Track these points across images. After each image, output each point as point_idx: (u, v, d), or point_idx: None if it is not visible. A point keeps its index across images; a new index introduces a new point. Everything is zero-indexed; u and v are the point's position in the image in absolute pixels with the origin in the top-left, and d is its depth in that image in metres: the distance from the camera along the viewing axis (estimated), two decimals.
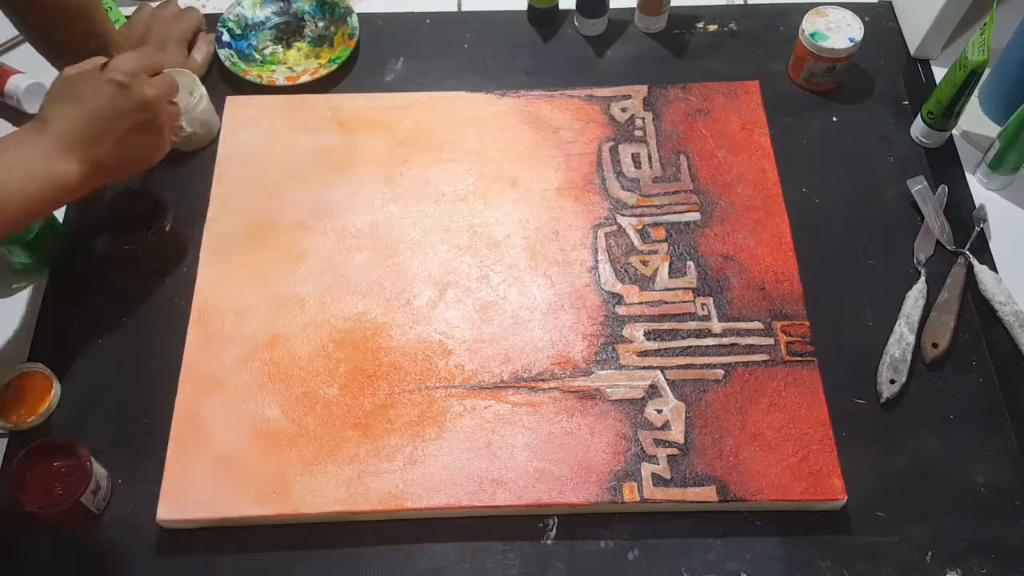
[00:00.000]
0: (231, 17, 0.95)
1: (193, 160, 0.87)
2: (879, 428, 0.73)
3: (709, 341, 0.75)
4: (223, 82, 0.93)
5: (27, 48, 0.96)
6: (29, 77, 0.89)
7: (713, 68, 0.94)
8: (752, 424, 0.71)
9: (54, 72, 0.82)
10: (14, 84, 0.88)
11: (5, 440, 0.72)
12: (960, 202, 0.85)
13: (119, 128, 0.71)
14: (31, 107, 0.90)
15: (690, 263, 0.79)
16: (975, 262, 0.80)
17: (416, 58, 0.95)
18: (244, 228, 0.81)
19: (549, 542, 0.68)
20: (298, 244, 0.81)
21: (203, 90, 0.85)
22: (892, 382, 0.74)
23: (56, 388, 0.73)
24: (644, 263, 0.79)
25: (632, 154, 0.86)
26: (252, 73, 0.92)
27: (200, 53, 0.92)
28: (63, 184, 0.68)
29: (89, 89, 0.70)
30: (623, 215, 0.82)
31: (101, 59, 0.72)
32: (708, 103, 0.89)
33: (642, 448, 0.70)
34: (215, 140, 0.88)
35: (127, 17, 0.95)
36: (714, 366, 0.74)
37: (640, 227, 0.82)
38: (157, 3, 0.94)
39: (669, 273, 0.79)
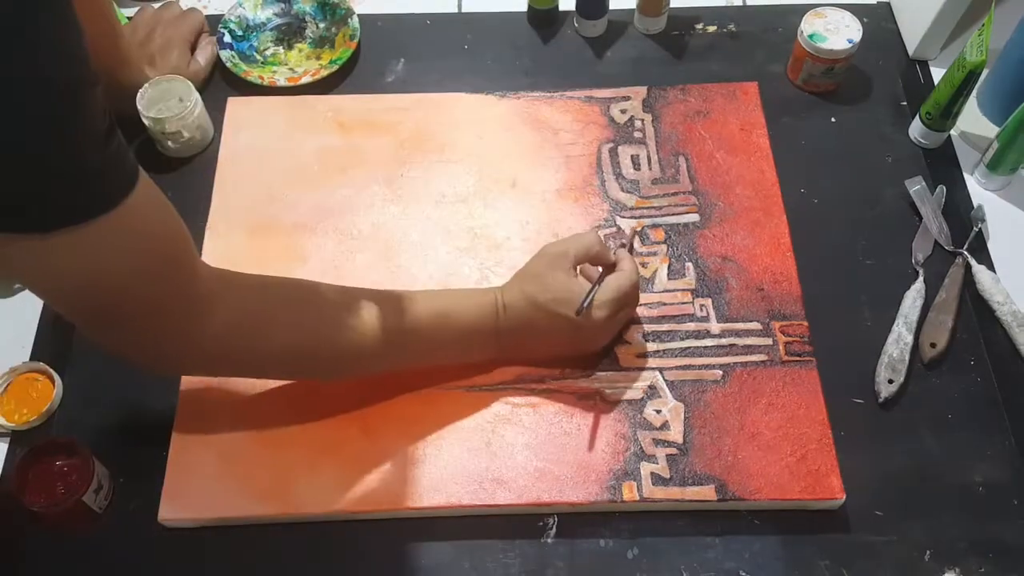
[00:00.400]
0: (232, 18, 0.96)
1: (193, 162, 0.88)
2: (877, 428, 0.73)
3: (708, 342, 0.76)
4: (224, 83, 0.93)
5: None
6: None
7: (712, 69, 0.94)
8: (751, 424, 0.71)
9: None
10: None
11: (7, 440, 0.73)
12: (958, 202, 0.85)
13: (554, 349, 0.73)
14: None
15: (689, 264, 0.80)
16: (973, 262, 0.80)
17: (416, 59, 0.95)
18: (245, 229, 0.82)
19: (549, 541, 0.69)
20: (299, 245, 0.81)
21: (197, 96, 0.85)
22: (890, 382, 0.74)
23: (58, 387, 0.74)
24: (643, 264, 0.80)
25: (631, 156, 0.86)
26: (253, 74, 0.92)
27: (203, 55, 0.92)
28: (475, 361, 0.73)
29: (560, 310, 0.68)
30: (623, 216, 0.83)
31: (596, 243, 0.71)
32: (707, 104, 0.89)
33: (641, 448, 0.70)
34: (211, 144, 0.88)
35: (129, 18, 0.95)
36: (713, 367, 0.74)
37: (639, 228, 0.82)
38: (159, 5, 0.95)
39: (668, 274, 0.79)
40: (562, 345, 0.72)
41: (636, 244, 0.80)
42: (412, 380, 0.73)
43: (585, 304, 0.68)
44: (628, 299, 0.72)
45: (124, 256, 0.51)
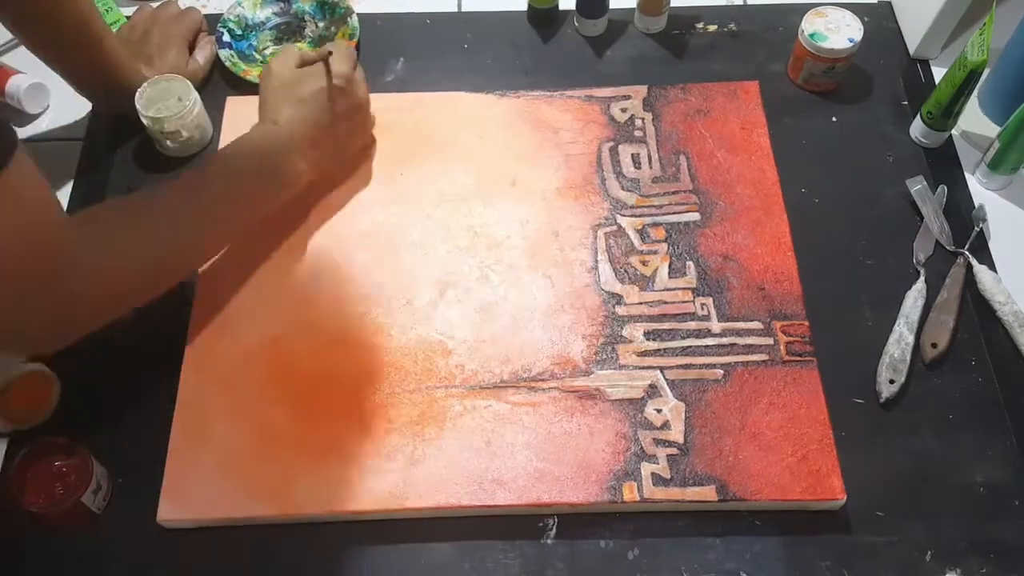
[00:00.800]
0: (231, 17, 0.95)
1: (193, 161, 0.87)
2: (878, 428, 0.73)
3: (708, 341, 0.75)
4: (224, 82, 0.93)
5: (22, 48, 0.96)
6: (29, 77, 0.89)
7: (713, 68, 0.94)
8: (751, 424, 0.71)
9: (53, 73, 0.83)
10: (15, 84, 0.88)
11: (5, 440, 0.72)
12: (959, 202, 0.85)
13: (339, 130, 0.78)
14: (32, 107, 0.90)
15: (690, 263, 0.80)
16: (974, 262, 0.80)
17: (416, 59, 0.95)
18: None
19: (549, 542, 0.69)
20: (298, 245, 0.81)
21: (196, 95, 0.85)
22: (891, 382, 0.74)
23: (56, 388, 0.73)
24: (644, 263, 0.80)
25: (632, 154, 0.86)
26: (253, 73, 0.92)
27: (202, 54, 0.92)
28: (293, 182, 0.75)
29: (310, 92, 0.76)
30: (623, 215, 0.82)
31: (297, 54, 0.78)
32: (708, 103, 0.89)
33: (642, 448, 0.70)
34: (210, 143, 0.88)
35: (127, 17, 0.95)
36: (713, 366, 0.74)
37: (640, 227, 0.82)
38: (158, 4, 0.94)
39: (669, 273, 0.79)
40: (342, 123, 0.78)
41: (631, 234, 0.81)
42: (412, 380, 0.73)
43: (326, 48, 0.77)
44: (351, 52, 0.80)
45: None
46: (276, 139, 0.74)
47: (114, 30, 0.95)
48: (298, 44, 0.96)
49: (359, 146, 0.84)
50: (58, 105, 0.92)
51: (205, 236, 0.71)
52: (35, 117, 0.91)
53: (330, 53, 0.78)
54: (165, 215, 0.67)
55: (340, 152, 0.81)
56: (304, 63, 0.79)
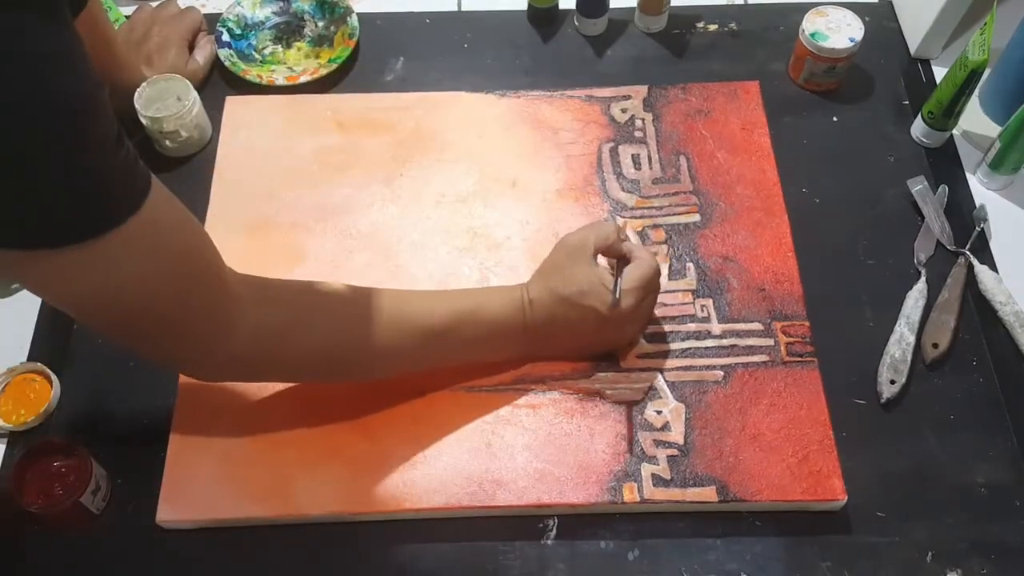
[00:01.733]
0: (231, 17, 0.95)
1: (192, 161, 0.87)
2: (879, 428, 0.73)
3: (709, 342, 0.75)
4: (223, 82, 0.93)
5: None
6: None
7: (713, 68, 0.94)
8: (752, 425, 0.71)
9: None
10: None
11: (5, 440, 0.72)
12: (960, 202, 0.85)
13: (584, 342, 0.72)
14: None
15: (690, 265, 0.79)
16: (975, 262, 0.80)
17: (416, 58, 0.95)
18: (244, 228, 0.81)
19: (549, 542, 0.68)
20: (298, 245, 0.81)
21: (195, 95, 0.85)
22: (892, 382, 0.74)
23: (56, 388, 0.73)
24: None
25: (632, 155, 0.86)
26: (252, 73, 0.92)
27: (202, 54, 0.92)
28: (501, 359, 0.72)
29: (589, 303, 0.68)
30: (623, 216, 0.82)
31: (605, 241, 0.70)
32: (708, 103, 0.89)
33: (642, 449, 0.70)
34: (209, 143, 0.88)
35: (127, 17, 0.95)
36: (714, 367, 0.74)
37: (640, 229, 0.82)
38: (157, 3, 0.94)
39: (669, 275, 0.79)
40: (591, 337, 0.71)
41: (630, 234, 0.80)
42: (413, 380, 0.73)
43: (617, 294, 0.68)
44: (651, 286, 0.71)
45: (142, 268, 0.50)
46: (519, 326, 0.69)
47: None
48: (297, 44, 0.96)
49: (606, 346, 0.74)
50: None
51: (375, 364, 0.67)
52: None
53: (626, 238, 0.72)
54: (354, 322, 0.64)
55: (577, 352, 0.73)
56: (607, 248, 0.71)
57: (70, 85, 0.42)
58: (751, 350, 0.75)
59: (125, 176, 0.47)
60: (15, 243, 0.44)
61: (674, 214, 0.82)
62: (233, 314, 0.57)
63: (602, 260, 0.73)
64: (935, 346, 0.76)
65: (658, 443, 0.70)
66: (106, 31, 0.79)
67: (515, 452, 0.70)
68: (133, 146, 0.48)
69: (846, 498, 0.68)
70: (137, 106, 0.83)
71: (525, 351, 0.72)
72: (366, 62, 0.95)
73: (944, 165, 0.87)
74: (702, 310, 0.77)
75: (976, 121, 0.89)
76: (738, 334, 0.76)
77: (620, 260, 0.72)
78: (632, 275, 0.70)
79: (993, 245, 0.82)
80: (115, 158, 0.45)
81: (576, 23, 0.97)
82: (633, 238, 0.81)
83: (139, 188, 0.48)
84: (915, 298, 0.78)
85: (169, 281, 0.52)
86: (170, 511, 0.68)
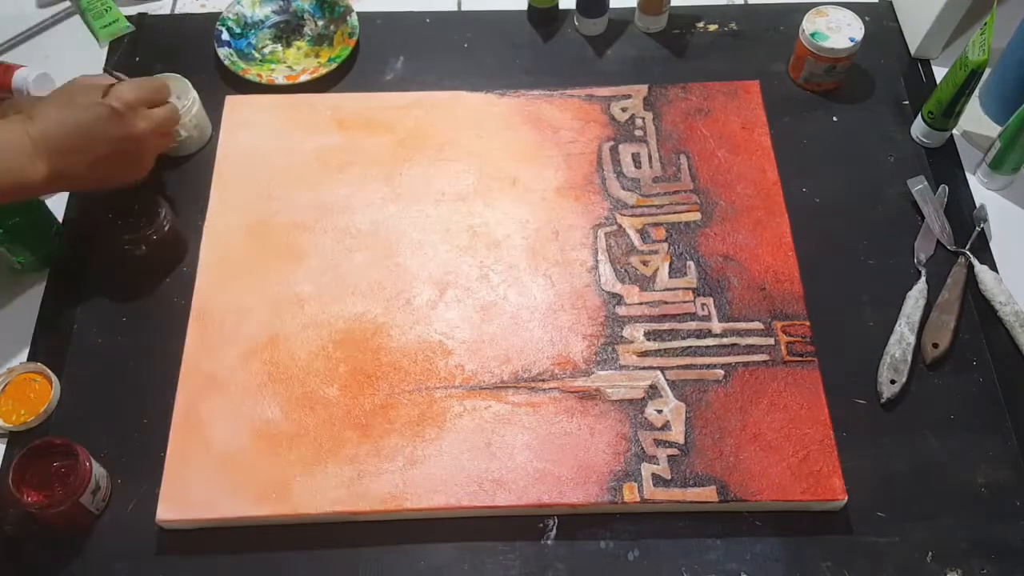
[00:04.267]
0: (230, 16, 0.95)
1: (192, 160, 0.87)
2: (879, 428, 0.73)
3: (709, 341, 0.75)
4: (222, 81, 0.92)
5: (23, 48, 0.96)
6: (33, 69, 0.89)
7: (713, 68, 0.94)
8: (752, 424, 0.71)
9: (54, 65, 0.82)
10: (21, 77, 0.88)
11: (5, 440, 0.72)
12: (961, 202, 0.85)
13: (98, 149, 0.73)
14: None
15: (690, 263, 0.79)
16: (975, 262, 0.80)
17: (416, 57, 0.95)
18: (244, 228, 0.81)
19: (549, 542, 0.68)
20: (298, 244, 0.80)
21: (195, 94, 0.85)
22: (892, 382, 0.74)
23: (55, 388, 0.73)
24: (644, 263, 0.79)
25: (632, 154, 0.86)
26: (251, 72, 0.92)
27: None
28: (25, 181, 0.70)
29: (84, 103, 0.72)
30: (623, 215, 0.82)
31: (110, 79, 0.74)
32: (708, 103, 0.89)
33: (642, 448, 0.70)
34: (209, 142, 0.88)
35: (127, 17, 0.95)
36: (714, 366, 0.74)
37: (640, 227, 0.82)
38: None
39: (669, 273, 0.79)
40: (102, 142, 0.72)
41: (631, 233, 0.80)
42: (412, 380, 0.73)
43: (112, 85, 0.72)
44: (158, 94, 0.76)
45: None
46: (20, 129, 0.70)
47: (114, 29, 0.95)
48: (296, 43, 0.96)
49: (124, 173, 0.76)
50: None
51: None
52: None
53: (120, 78, 0.76)
54: None
55: (94, 173, 0.73)
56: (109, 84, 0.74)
57: None
58: (751, 349, 0.75)
59: None
60: None
61: (675, 212, 0.82)
62: None
63: None
64: (935, 346, 0.76)
65: (658, 443, 0.70)
66: None
67: (515, 452, 0.70)
68: None
69: (846, 498, 0.68)
70: None
71: (39, 165, 0.70)
72: (366, 61, 0.95)
73: (944, 165, 0.87)
74: (703, 308, 0.77)
75: (976, 121, 0.89)
76: (739, 333, 0.76)
77: None
78: (138, 80, 0.75)
79: (993, 245, 0.82)
80: None
81: (576, 23, 0.97)
82: (634, 238, 0.81)
83: None
84: (915, 298, 0.78)
85: None
86: (170, 511, 0.68)
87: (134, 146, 0.74)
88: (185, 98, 0.84)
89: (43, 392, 0.73)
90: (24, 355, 0.76)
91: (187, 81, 0.85)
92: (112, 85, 0.73)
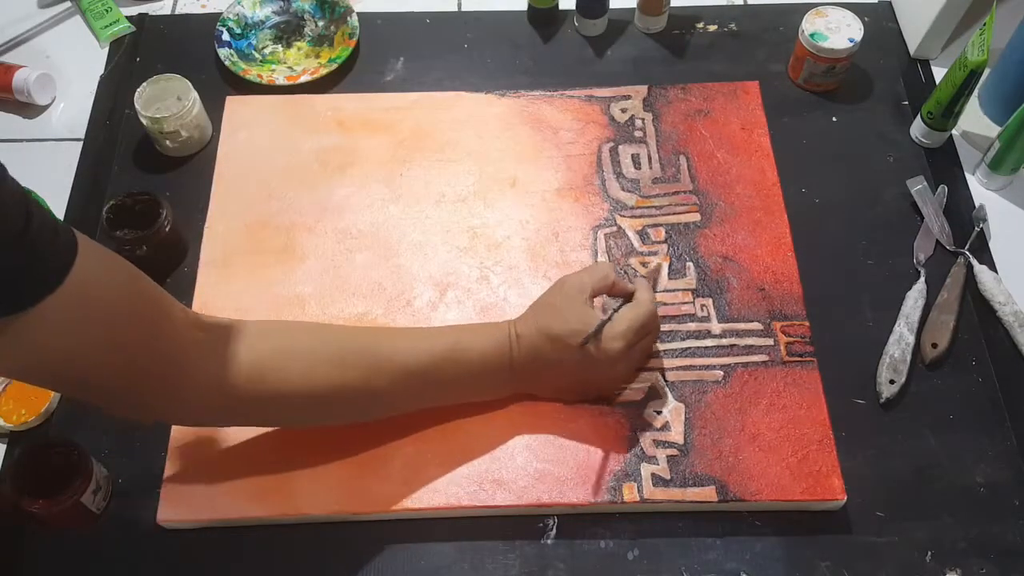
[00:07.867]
0: (231, 16, 0.95)
1: (193, 160, 0.87)
2: (879, 428, 0.73)
3: (708, 342, 0.75)
4: (223, 82, 0.93)
5: (23, 49, 0.96)
6: (34, 69, 0.89)
7: (713, 68, 0.94)
8: (752, 424, 0.71)
9: (55, 66, 0.81)
10: (22, 77, 0.88)
11: (5, 440, 0.72)
12: (960, 202, 0.85)
13: (570, 381, 0.70)
14: (41, 99, 0.90)
15: (690, 264, 0.79)
16: (975, 262, 0.80)
17: (416, 58, 0.95)
18: (244, 228, 0.81)
19: (549, 542, 0.68)
20: (298, 244, 0.81)
21: (195, 95, 0.85)
22: (892, 382, 0.74)
23: None
24: (644, 264, 0.79)
25: (632, 155, 0.86)
26: (252, 72, 0.92)
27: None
28: (487, 399, 0.71)
29: (571, 343, 0.66)
30: (623, 216, 0.82)
31: (613, 278, 0.69)
32: (708, 104, 0.89)
33: (642, 449, 0.70)
34: (209, 143, 0.88)
35: (128, 18, 0.95)
36: (713, 367, 0.74)
37: (640, 228, 0.82)
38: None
39: (668, 274, 0.79)
40: (575, 376, 0.69)
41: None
42: None
43: (592, 333, 0.66)
44: (645, 330, 0.69)
45: (67, 344, 0.48)
46: (505, 364, 0.68)
47: (115, 30, 0.95)
48: (297, 43, 0.96)
49: (582, 400, 0.72)
50: (65, 95, 0.92)
51: (353, 406, 0.66)
52: (44, 109, 0.91)
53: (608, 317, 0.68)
54: (327, 364, 0.62)
55: (556, 394, 0.71)
56: (606, 288, 0.70)
57: None
58: (751, 350, 0.75)
59: (33, 261, 0.45)
60: None
61: (674, 213, 0.82)
62: (187, 366, 0.56)
63: (610, 302, 0.72)
64: (934, 346, 0.76)
65: (658, 443, 0.70)
66: None
67: (515, 452, 0.70)
68: (52, 221, 0.46)
69: (846, 498, 0.68)
70: (137, 106, 0.83)
71: (511, 389, 0.71)
72: (366, 62, 0.95)
73: (943, 165, 0.87)
74: (702, 309, 0.77)
75: (976, 121, 0.89)
76: (738, 334, 0.76)
77: (625, 300, 0.70)
78: (624, 315, 0.68)
79: (992, 245, 0.82)
80: (18, 248, 0.43)
81: (576, 23, 0.97)
82: (634, 239, 0.81)
83: (54, 268, 0.46)
84: (914, 298, 0.78)
85: (106, 351, 0.50)
86: (170, 511, 0.68)
87: (609, 383, 0.72)
88: (185, 99, 0.84)
89: (43, 392, 0.73)
90: None
91: (187, 82, 0.85)
92: (602, 321, 0.67)
